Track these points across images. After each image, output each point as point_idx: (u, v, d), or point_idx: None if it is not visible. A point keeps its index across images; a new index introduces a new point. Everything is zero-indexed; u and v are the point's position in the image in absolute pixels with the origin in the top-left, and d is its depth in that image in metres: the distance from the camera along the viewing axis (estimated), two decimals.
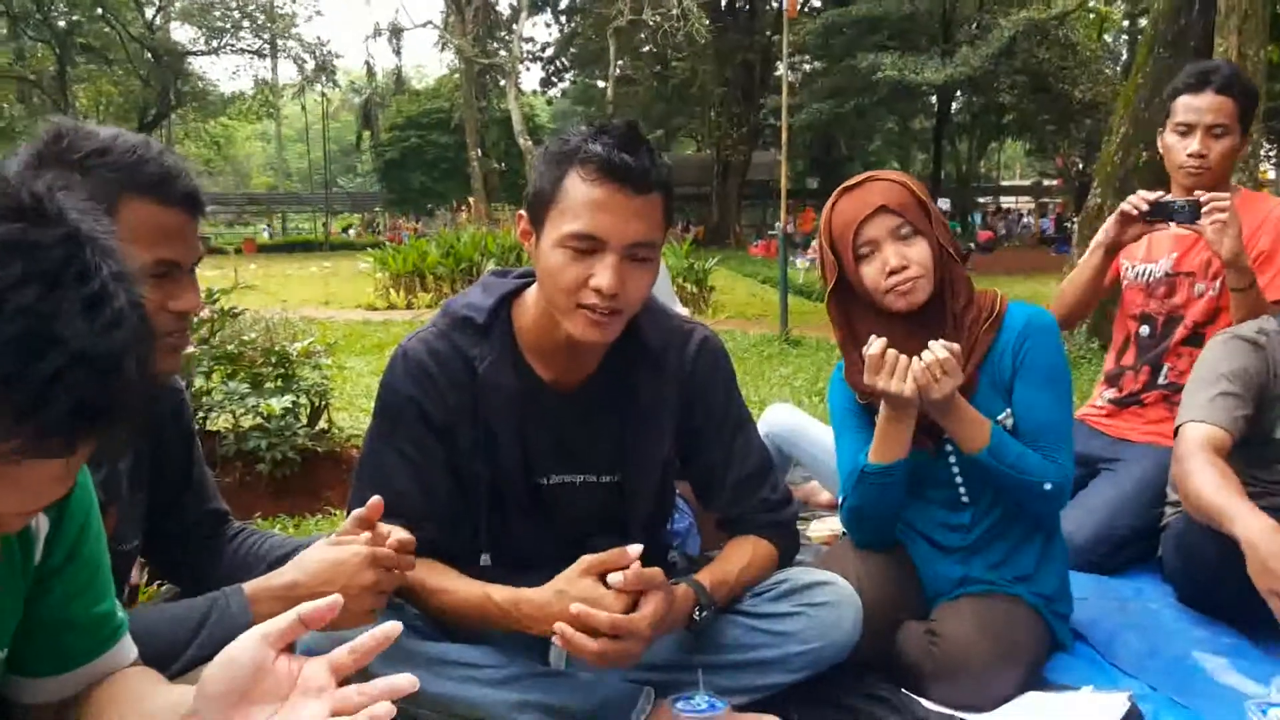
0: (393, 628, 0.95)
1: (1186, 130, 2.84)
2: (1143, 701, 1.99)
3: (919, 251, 2.00)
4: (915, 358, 1.94)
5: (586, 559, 1.62)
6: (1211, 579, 2.27)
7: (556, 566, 1.68)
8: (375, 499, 1.57)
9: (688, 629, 1.76)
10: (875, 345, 1.97)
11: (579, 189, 1.61)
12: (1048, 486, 2.02)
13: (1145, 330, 3.04)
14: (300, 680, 0.92)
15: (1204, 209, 2.59)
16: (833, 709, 1.95)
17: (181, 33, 38.23)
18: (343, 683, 0.93)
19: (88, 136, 1.41)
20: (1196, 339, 2.87)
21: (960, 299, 2.10)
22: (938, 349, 1.93)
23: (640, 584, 1.61)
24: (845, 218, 2.04)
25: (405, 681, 0.90)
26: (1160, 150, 2.98)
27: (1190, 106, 2.84)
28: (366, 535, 1.53)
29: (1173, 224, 2.72)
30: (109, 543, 1.59)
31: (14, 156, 1.44)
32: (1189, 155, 2.81)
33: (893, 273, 2.00)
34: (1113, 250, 2.89)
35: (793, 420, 3.20)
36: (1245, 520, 1.92)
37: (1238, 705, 1.93)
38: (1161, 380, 2.99)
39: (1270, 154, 34.08)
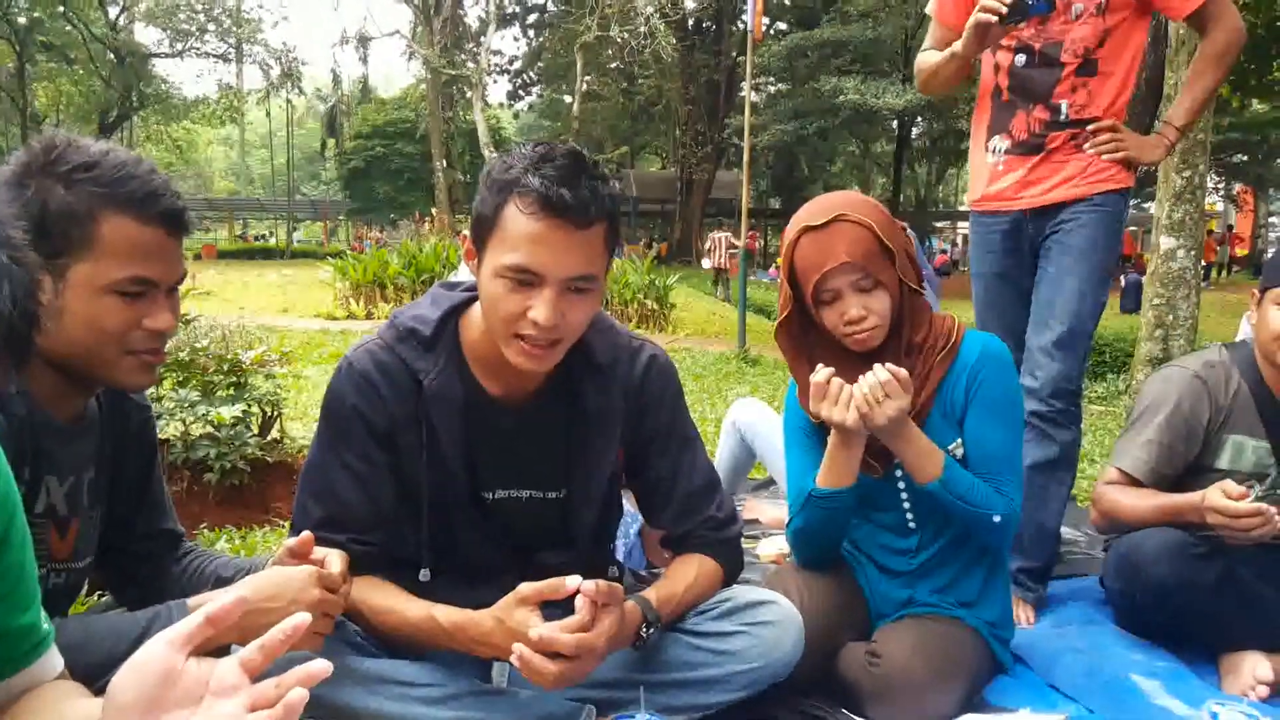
0: (301, 619, 0.94)
1: None
2: None
3: (879, 302, 2.01)
4: (859, 382, 1.96)
5: (523, 589, 1.61)
6: (1154, 601, 2.32)
7: (501, 580, 1.68)
8: (306, 534, 1.59)
9: (634, 646, 1.76)
10: (821, 374, 1.99)
11: (517, 221, 1.60)
12: (996, 519, 2.03)
13: (1021, 59, 2.71)
14: (213, 682, 0.91)
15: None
16: None
17: (146, 34, 37.87)
18: (258, 680, 0.92)
19: (77, 150, 1.43)
20: (1089, 68, 2.66)
21: (919, 331, 2.11)
22: (880, 371, 1.94)
23: (609, 596, 1.60)
24: (808, 263, 2.02)
25: (319, 667, 0.90)
26: None
27: None
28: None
29: (1026, 19, 2.52)
30: (67, 558, 1.58)
31: (5, 165, 1.45)
32: None
33: (850, 322, 2.02)
34: (968, 60, 2.67)
35: (759, 414, 3.26)
36: (1195, 500, 2.18)
37: None
38: (1064, 118, 2.69)
39: (1219, 186, 34.84)
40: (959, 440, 2.09)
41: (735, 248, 20.40)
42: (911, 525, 2.19)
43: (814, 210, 2.05)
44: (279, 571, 1.53)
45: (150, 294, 1.48)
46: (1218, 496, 2.14)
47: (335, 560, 1.58)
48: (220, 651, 0.96)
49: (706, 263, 21.62)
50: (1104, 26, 2.63)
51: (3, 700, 1.09)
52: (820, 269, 1.99)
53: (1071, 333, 2.67)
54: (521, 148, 1.68)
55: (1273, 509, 2.09)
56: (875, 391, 1.93)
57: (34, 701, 1.09)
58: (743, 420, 3.28)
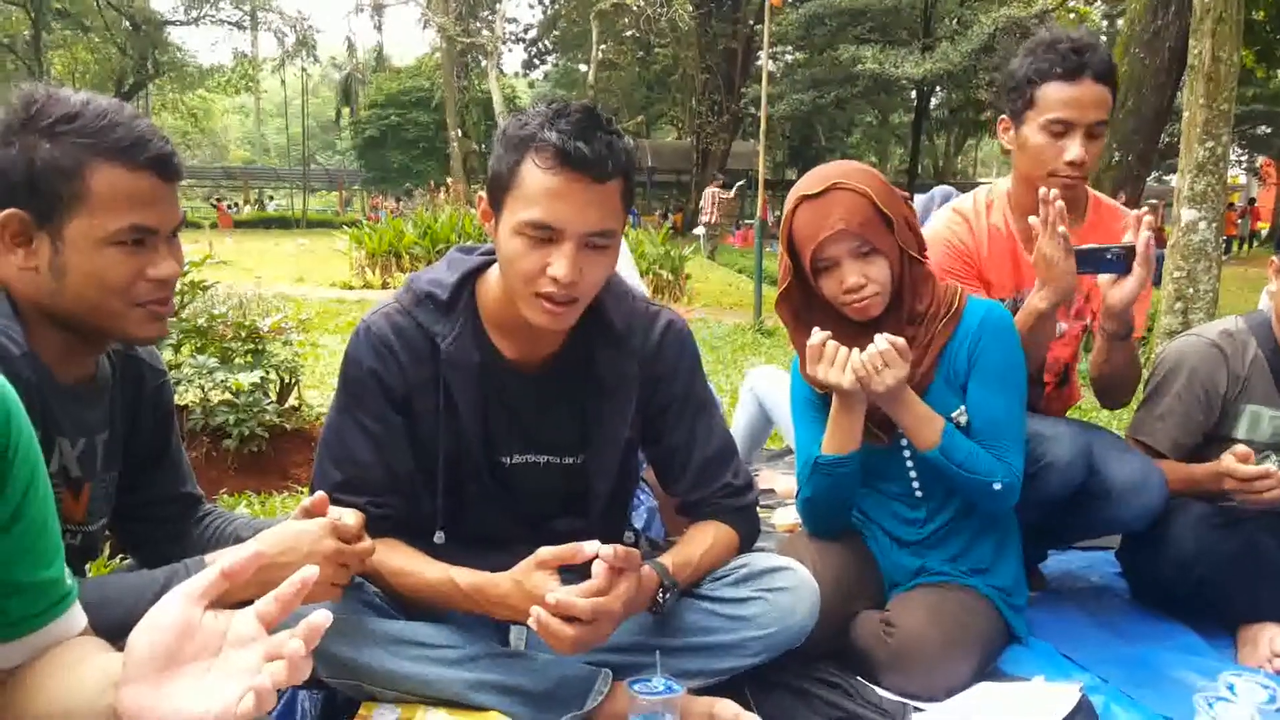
0: (310, 572, 0.94)
1: (1063, 130, 2.30)
2: (1094, 693, 2.02)
3: (878, 270, 2.01)
4: (856, 349, 1.96)
5: (542, 552, 1.62)
6: (1178, 572, 2.32)
7: (516, 546, 1.69)
8: (320, 494, 1.60)
9: (650, 611, 1.77)
10: (817, 337, 1.99)
11: (535, 177, 1.60)
12: (997, 486, 2.03)
13: None
14: (230, 634, 0.93)
15: (1138, 253, 2.18)
16: (788, 694, 1.97)
17: (161, 1, 37.81)
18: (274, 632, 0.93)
19: (58, 103, 1.41)
20: (1065, 377, 2.62)
21: (922, 300, 2.10)
22: (880, 341, 1.94)
23: (625, 561, 1.61)
24: (805, 232, 2.03)
25: (320, 619, 0.91)
26: (1008, 144, 2.45)
27: (1067, 99, 2.28)
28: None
29: (1099, 275, 2.25)
30: (82, 520, 1.59)
31: None
32: (1068, 163, 2.30)
33: (849, 290, 2.02)
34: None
35: (777, 381, 3.26)
36: (1211, 468, 2.22)
37: (1186, 699, 1.97)
38: None
39: (1240, 159, 34.45)
40: (962, 407, 2.09)
41: (724, 198, 20.42)
42: (919, 495, 2.19)
43: (811, 180, 2.06)
44: (294, 525, 1.54)
45: (150, 242, 1.46)
46: (1230, 460, 2.16)
47: (349, 518, 1.59)
48: (241, 606, 0.97)
49: (700, 230, 21.36)
50: (1080, 342, 2.57)
51: (27, 656, 1.10)
52: (817, 237, 2.00)
53: None
54: (537, 106, 1.68)
55: None
56: (874, 360, 1.94)
57: (57, 657, 1.10)
58: (760, 388, 3.28)
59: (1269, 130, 31.67)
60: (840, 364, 1.97)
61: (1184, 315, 5.69)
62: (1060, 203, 2.15)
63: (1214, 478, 2.20)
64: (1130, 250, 2.19)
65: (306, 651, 0.89)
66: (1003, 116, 2.45)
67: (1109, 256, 2.21)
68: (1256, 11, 8.11)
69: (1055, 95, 2.30)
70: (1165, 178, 28.61)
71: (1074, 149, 2.29)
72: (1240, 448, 2.19)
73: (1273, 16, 8.68)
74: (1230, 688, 2.01)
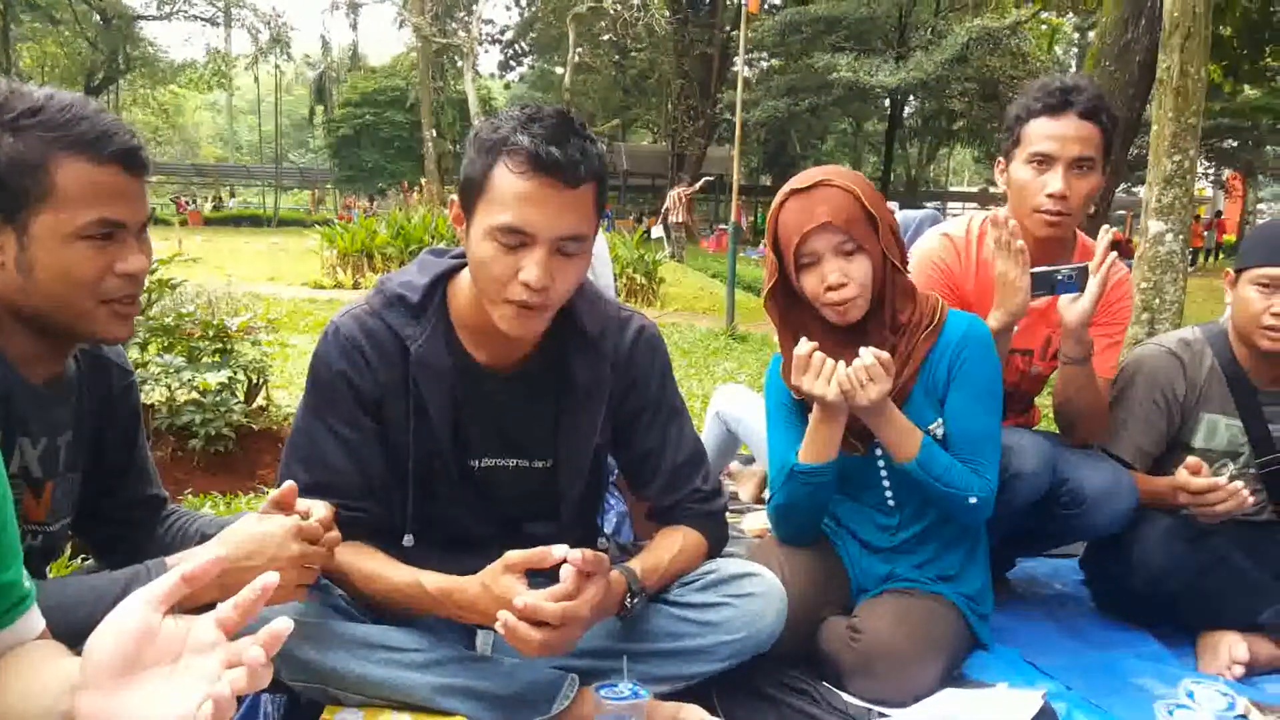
0: (270, 579, 0.94)
1: (1044, 163, 2.32)
2: (1057, 699, 2.03)
3: (860, 269, 2.01)
4: (842, 362, 1.96)
5: (510, 556, 1.61)
6: (1150, 586, 2.32)
7: (487, 549, 1.68)
8: (289, 484, 1.58)
9: (618, 616, 1.76)
10: (804, 347, 1.99)
11: (507, 181, 1.59)
12: (973, 500, 2.04)
13: None
14: (190, 640, 0.92)
15: (1098, 274, 2.23)
16: (755, 699, 1.98)
17: None
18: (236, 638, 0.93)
19: (21, 97, 1.39)
20: (1028, 407, 2.70)
21: (904, 310, 2.11)
22: (866, 356, 1.94)
23: (594, 566, 1.60)
24: (790, 225, 2.02)
25: (281, 625, 0.90)
26: (1001, 185, 2.47)
27: (1048, 133, 2.32)
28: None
29: (1053, 295, 2.29)
30: (43, 520, 1.57)
31: None
32: (1049, 195, 2.31)
33: (830, 288, 2.02)
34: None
35: (743, 400, 3.25)
36: (1170, 482, 2.25)
37: (1148, 705, 1.99)
38: None
39: (1208, 172, 34.89)
40: (940, 419, 2.10)
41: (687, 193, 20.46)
42: (892, 504, 2.20)
43: (800, 177, 2.07)
44: (258, 527, 1.52)
45: (119, 236, 1.44)
46: (1183, 474, 2.20)
47: (319, 509, 1.57)
48: (205, 608, 0.96)
49: (656, 231, 21.22)
50: (1047, 379, 2.61)
51: None
52: (801, 229, 1.99)
53: None
54: (509, 110, 1.67)
55: (1238, 484, 2.14)
56: (859, 374, 1.94)
57: (14, 661, 1.08)
58: (725, 410, 3.26)
59: (1235, 144, 32.07)
60: (825, 376, 1.97)
61: (1150, 325, 5.75)
62: (1013, 222, 2.23)
63: (1172, 491, 2.24)
64: (1082, 270, 2.23)
65: (266, 659, 0.88)
66: (999, 158, 2.48)
67: (1060, 277, 2.25)
68: (1225, 27, 8.20)
69: (1037, 129, 2.34)
70: (1134, 189, 28.94)
71: (1054, 182, 2.30)
72: (1192, 459, 2.22)
73: (1240, 32, 8.80)
74: (1190, 695, 2.04)
